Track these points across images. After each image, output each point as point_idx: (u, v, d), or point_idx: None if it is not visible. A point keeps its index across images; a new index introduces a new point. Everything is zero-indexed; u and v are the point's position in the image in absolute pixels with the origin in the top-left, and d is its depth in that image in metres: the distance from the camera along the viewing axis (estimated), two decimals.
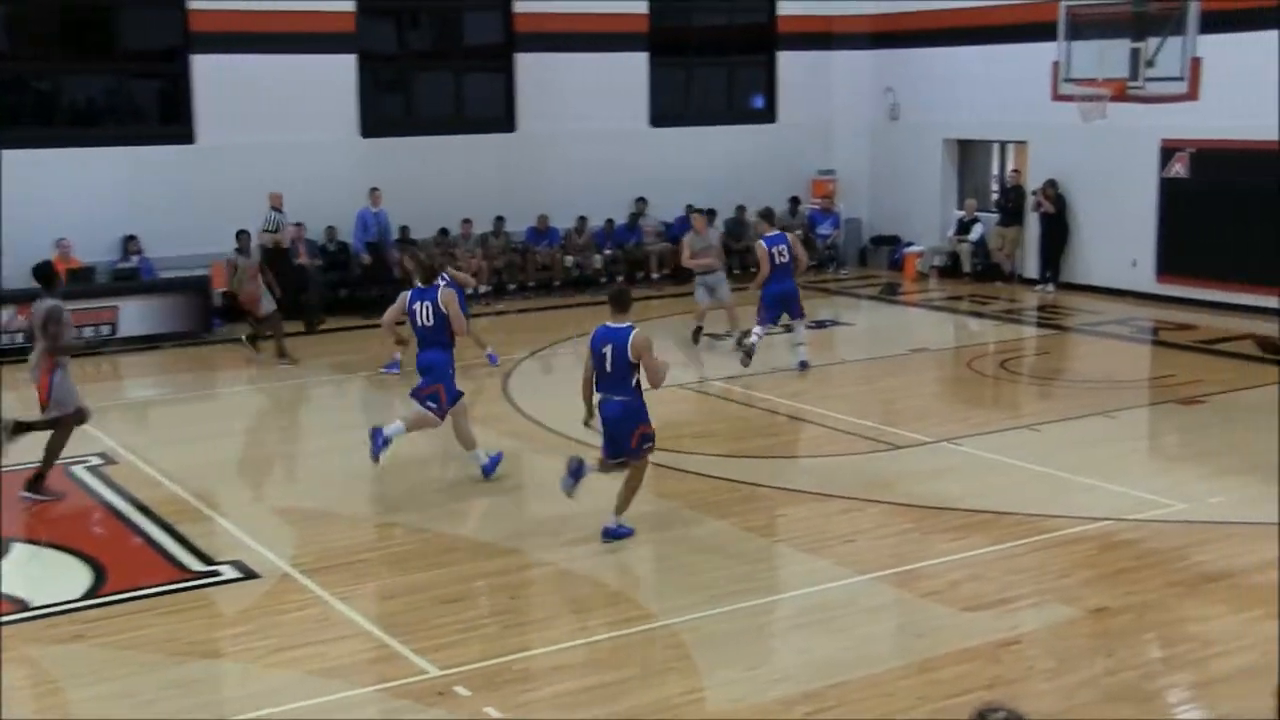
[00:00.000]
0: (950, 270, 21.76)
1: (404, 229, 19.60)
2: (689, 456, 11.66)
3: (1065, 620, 7.99)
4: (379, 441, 10.78)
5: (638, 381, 9.34)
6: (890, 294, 20.81)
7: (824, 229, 22.65)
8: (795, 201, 22.74)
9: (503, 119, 20.92)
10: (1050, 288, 20.09)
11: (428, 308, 10.75)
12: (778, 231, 15.46)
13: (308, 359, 16.32)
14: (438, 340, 10.79)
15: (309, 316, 17.84)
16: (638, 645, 7.81)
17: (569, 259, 20.81)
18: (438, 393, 10.79)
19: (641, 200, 21.54)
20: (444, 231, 19.88)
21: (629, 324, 9.35)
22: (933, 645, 7.69)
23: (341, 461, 11.87)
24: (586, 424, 9.80)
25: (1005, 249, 20.98)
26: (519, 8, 20.73)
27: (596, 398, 9.55)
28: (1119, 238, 19.37)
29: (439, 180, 19.79)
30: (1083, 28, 16.06)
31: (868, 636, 7.94)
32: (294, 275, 17.89)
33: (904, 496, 10.43)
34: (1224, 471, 10.91)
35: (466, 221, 19.88)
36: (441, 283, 11.18)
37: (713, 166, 21.62)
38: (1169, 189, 18.58)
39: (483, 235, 20.11)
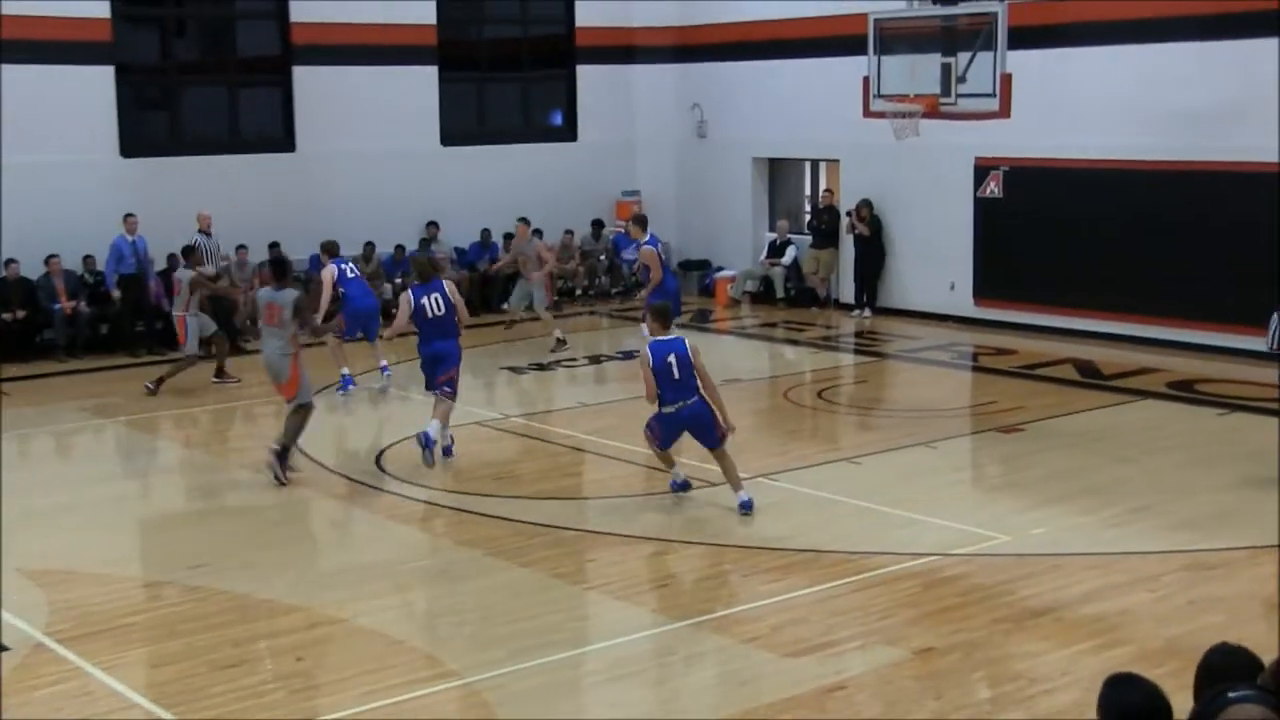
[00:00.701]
0: (763, 296, 22.17)
1: (172, 258, 18.99)
2: (489, 500, 11.59)
3: (891, 663, 8.16)
4: (429, 444, 12.02)
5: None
6: (701, 321, 21.07)
7: (629, 253, 22.79)
8: (599, 225, 22.89)
9: (281, 138, 20.58)
10: (867, 313, 20.61)
11: (436, 299, 12.39)
12: (652, 235, 16.50)
13: (58, 401, 15.77)
14: (449, 330, 12.41)
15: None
16: (438, 706, 7.70)
17: None
18: (453, 379, 12.39)
19: (433, 225, 21.39)
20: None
21: (678, 335, 11.06)
22: (755, 694, 7.76)
23: (102, 516, 11.46)
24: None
25: (820, 273, 21.47)
26: (296, 17, 20.45)
27: (667, 409, 10.85)
28: (936, 260, 20.00)
29: (210, 204, 19.24)
30: (892, 42, 16.52)
31: (686, 687, 7.97)
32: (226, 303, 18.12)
33: (720, 536, 10.53)
34: (1046, 501, 11.31)
35: (241, 248, 19.44)
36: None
37: (509, 188, 21.61)
38: (984, 209, 19.28)
39: (259, 264, 19.70)
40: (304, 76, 20.59)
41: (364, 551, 10.46)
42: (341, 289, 16.05)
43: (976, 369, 17.56)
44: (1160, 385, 15.56)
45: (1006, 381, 16.23)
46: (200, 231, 18.30)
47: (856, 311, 20.78)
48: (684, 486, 11.42)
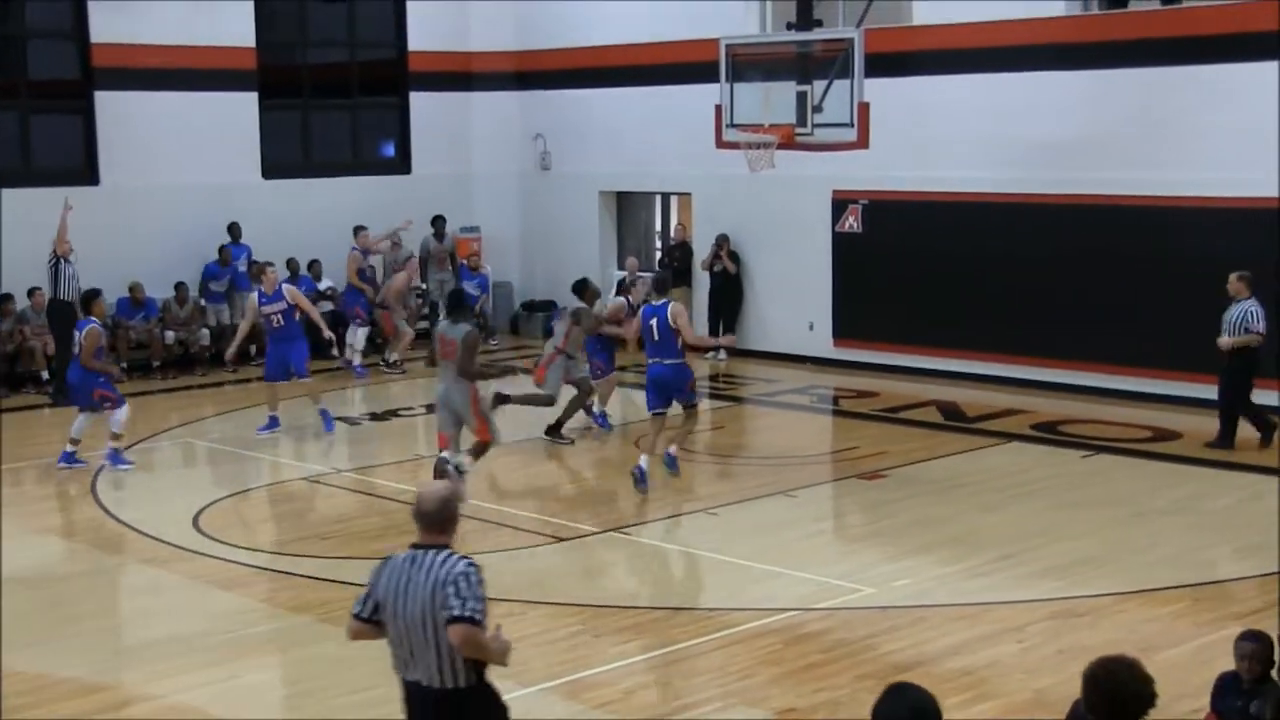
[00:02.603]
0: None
1: None
2: (320, 561, 11.52)
3: None
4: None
5: (682, 345, 13.33)
6: None
7: (471, 287, 22.75)
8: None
9: (83, 169, 20.26)
10: (722, 355, 20.90)
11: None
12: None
13: None
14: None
15: None
16: None
17: (170, 334, 20.26)
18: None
19: (254, 264, 21.19)
20: (6, 299, 18.97)
21: (666, 300, 13.40)
22: None
23: None
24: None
25: None
26: (98, 37, 20.17)
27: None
28: (794, 299, 20.37)
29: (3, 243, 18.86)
30: (745, 69, 16.85)
31: None
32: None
33: (569, 595, 10.62)
34: (910, 551, 11.61)
35: (36, 290, 19.00)
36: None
37: (338, 224, 21.47)
38: (843, 245, 19.72)
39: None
40: (107, 102, 20.30)
41: (181, 621, 10.32)
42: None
43: (837, 413, 17.91)
44: (1024, 427, 16.05)
45: (868, 425, 16.60)
46: (62, 257, 18.02)
47: (711, 354, 21.04)
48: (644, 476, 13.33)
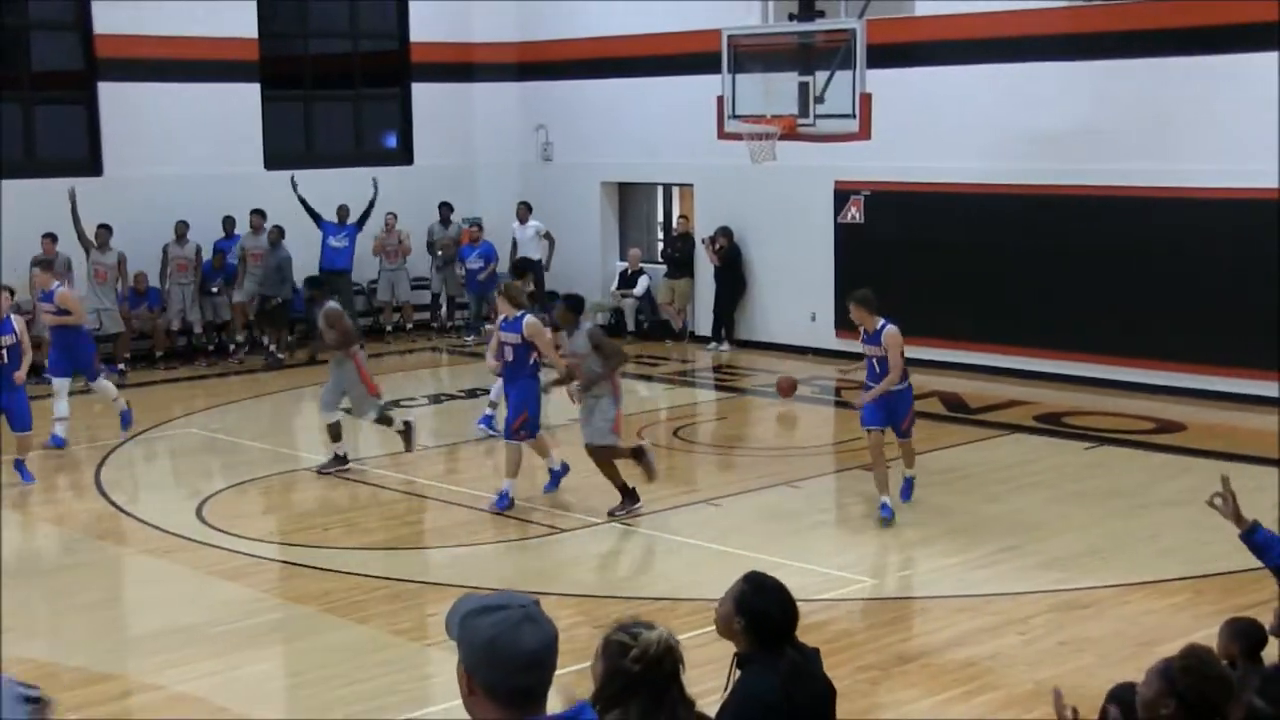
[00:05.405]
0: (614, 328, 22.29)
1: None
2: (321, 551, 11.53)
3: None
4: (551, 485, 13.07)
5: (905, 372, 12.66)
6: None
7: (472, 263, 22.17)
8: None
9: (86, 160, 20.25)
10: (724, 346, 20.89)
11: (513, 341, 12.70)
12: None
13: None
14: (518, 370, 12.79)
15: None
16: None
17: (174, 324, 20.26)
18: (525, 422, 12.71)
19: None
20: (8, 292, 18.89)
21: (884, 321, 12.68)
22: None
23: None
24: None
25: (675, 304, 21.71)
26: (101, 28, 20.16)
27: None
28: (797, 290, 20.34)
29: (5, 233, 18.85)
30: (747, 60, 16.82)
31: None
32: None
33: (570, 586, 10.61)
34: (913, 542, 11.61)
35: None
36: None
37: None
38: (845, 235, 19.70)
39: None
40: (111, 93, 20.29)
41: (184, 611, 10.32)
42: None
43: (839, 404, 17.86)
44: (1028, 419, 16.03)
45: None
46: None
47: (713, 344, 21.03)
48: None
